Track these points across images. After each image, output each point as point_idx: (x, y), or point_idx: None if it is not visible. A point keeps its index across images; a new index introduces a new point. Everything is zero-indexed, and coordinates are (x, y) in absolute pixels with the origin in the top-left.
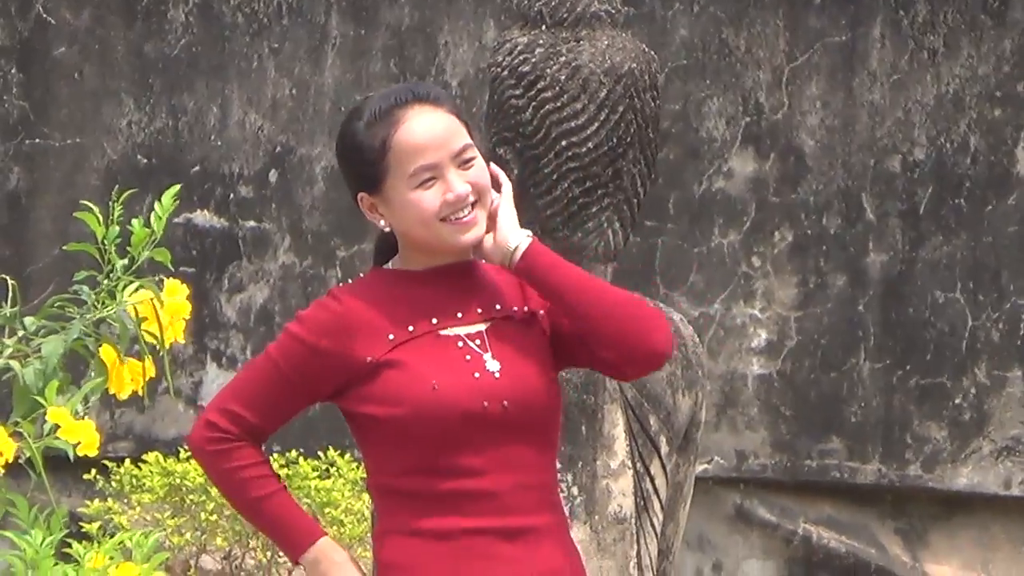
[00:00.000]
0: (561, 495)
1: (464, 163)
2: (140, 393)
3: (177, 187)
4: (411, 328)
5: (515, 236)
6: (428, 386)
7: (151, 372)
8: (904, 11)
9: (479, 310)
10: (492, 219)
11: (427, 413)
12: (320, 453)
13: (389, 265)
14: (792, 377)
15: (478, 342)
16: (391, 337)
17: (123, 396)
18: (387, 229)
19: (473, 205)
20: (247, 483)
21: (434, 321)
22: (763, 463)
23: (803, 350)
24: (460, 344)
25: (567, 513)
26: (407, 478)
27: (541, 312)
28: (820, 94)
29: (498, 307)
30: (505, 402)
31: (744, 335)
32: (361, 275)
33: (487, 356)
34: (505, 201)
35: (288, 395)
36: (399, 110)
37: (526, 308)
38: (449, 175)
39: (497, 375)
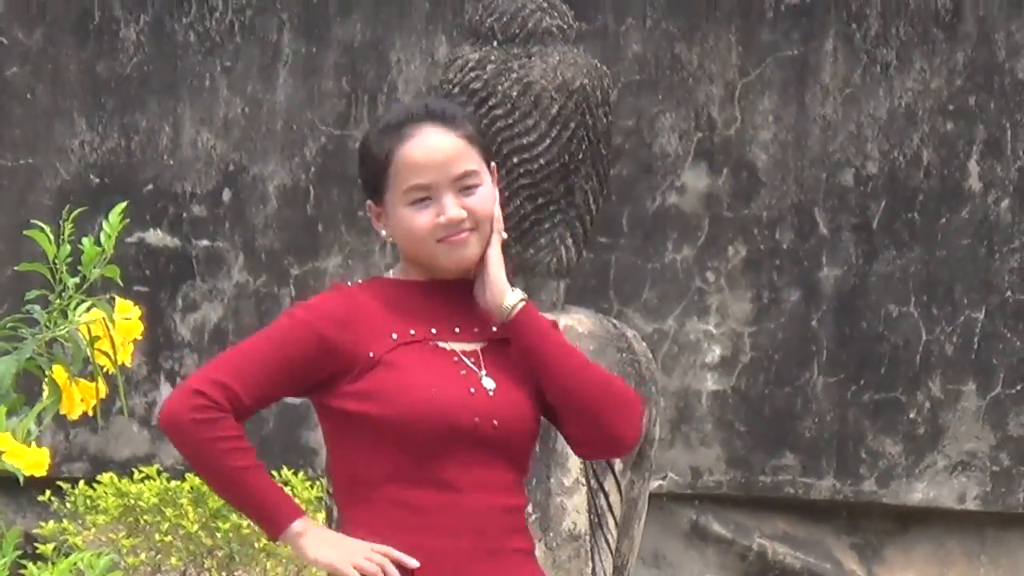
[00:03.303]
0: None
1: (464, 188)
2: (91, 413)
3: (124, 204)
4: (412, 332)
5: (510, 295)
6: (427, 391)
7: (103, 392)
8: (856, 24)
9: (476, 329)
10: (484, 264)
11: (420, 417)
12: (275, 472)
13: (389, 274)
14: (746, 392)
15: (472, 360)
16: (394, 336)
17: (74, 416)
18: (389, 240)
19: (470, 230)
20: (231, 453)
21: (433, 331)
22: (718, 479)
23: (757, 365)
24: (455, 359)
25: None
26: (385, 487)
27: None
28: (773, 108)
29: (494, 329)
30: (495, 421)
31: (698, 351)
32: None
33: (482, 374)
34: (495, 253)
35: (282, 378)
36: (410, 125)
37: None
38: (445, 199)
39: (492, 393)
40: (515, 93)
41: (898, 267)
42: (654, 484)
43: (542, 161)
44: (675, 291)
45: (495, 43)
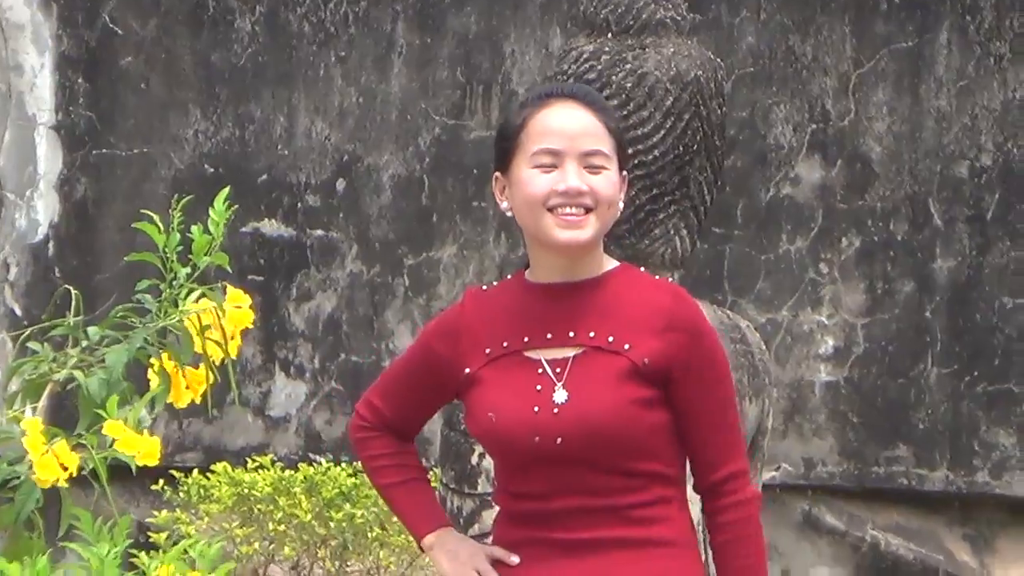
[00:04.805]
0: None
1: (591, 166)
2: (199, 402)
3: (227, 189)
4: (505, 344)
5: None
6: (486, 416)
7: (212, 380)
8: (971, 17)
9: (571, 334)
10: None
11: (488, 440)
12: None
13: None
14: (859, 384)
15: (559, 369)
16: (487, 351)
17: (182, 405)
18: (508, 213)
19: (588, 211)
20: (380, 471)
21: (526, 339)
22: (831, 470)
23: (870, 357)
24: (540, 370)
25: None
26: (500, 493)
27: (646, 361)
28: (887, 100)
29: (592, 335)
30: (559, 439)
31: (811, 342)
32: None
33: (558, 387)
34: None
35: (416, 392)
36: (551, 98)
37: (627, 346)
38: (567, 167)
39: (557, 410)
40: (629, 84)
41: (1012, 259)
42: (767, 475)
43: (656, 152)
44: (788, 282)
45: (609, 34)
